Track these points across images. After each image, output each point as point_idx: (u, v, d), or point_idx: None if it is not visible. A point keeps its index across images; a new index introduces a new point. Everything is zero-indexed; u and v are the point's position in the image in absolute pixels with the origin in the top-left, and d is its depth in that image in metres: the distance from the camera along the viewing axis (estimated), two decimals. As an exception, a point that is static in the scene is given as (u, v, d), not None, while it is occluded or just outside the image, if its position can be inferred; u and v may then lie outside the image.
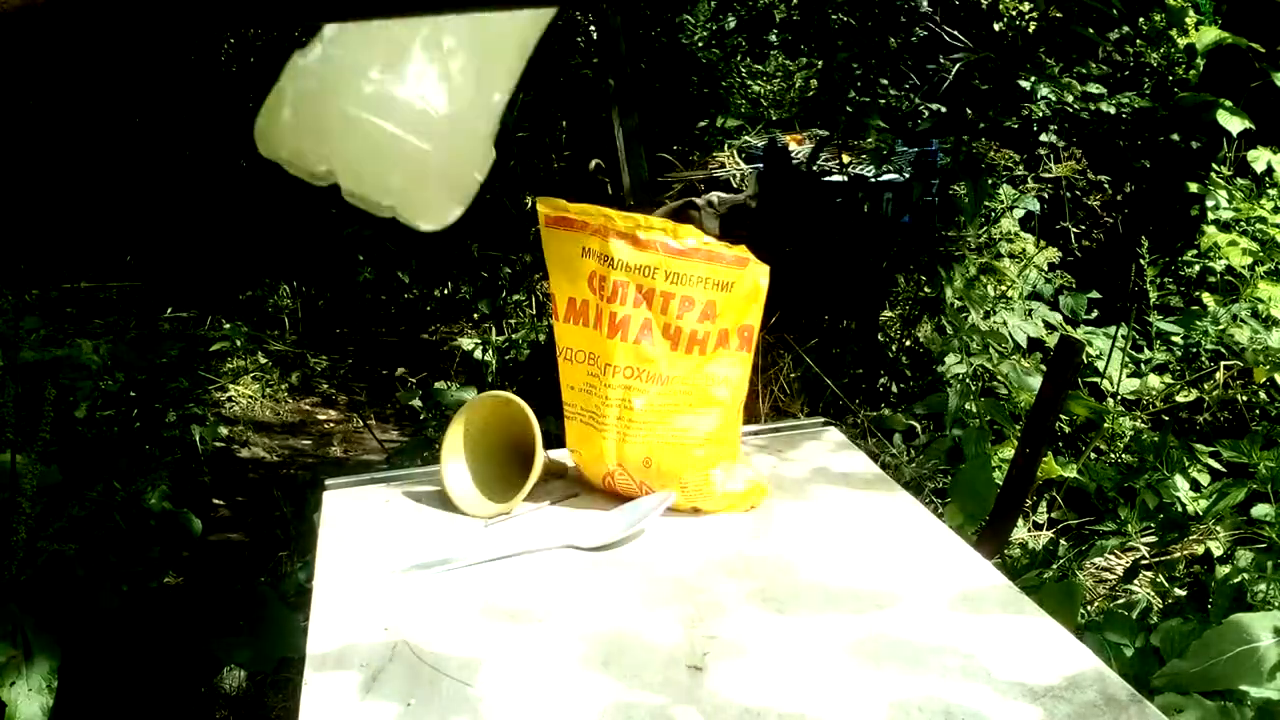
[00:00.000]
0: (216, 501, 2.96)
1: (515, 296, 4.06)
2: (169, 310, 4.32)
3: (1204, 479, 2.49)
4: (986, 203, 3.57)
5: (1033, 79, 4.08)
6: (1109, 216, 4.29)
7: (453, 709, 0.76)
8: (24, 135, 4.47)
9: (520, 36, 0.65)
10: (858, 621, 0.86)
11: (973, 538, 1.87)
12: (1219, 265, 3.22)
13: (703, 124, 5.07)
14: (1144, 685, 1.37)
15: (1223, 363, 2.88)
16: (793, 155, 4.43)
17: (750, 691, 0.77)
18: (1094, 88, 4.31)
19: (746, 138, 5.01)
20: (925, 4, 4.47)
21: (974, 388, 2.72)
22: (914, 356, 3.36)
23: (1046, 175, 4.11)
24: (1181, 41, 4.26)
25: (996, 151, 4.15)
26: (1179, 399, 2.87)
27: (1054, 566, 2.12)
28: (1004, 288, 3.45)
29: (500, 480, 1.10)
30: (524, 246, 3.91)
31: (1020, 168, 4.18)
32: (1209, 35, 3.49)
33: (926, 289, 3.50)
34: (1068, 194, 4.09)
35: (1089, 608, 2.04)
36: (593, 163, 3.84)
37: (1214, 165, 3.57)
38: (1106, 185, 4.28)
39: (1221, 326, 2.89)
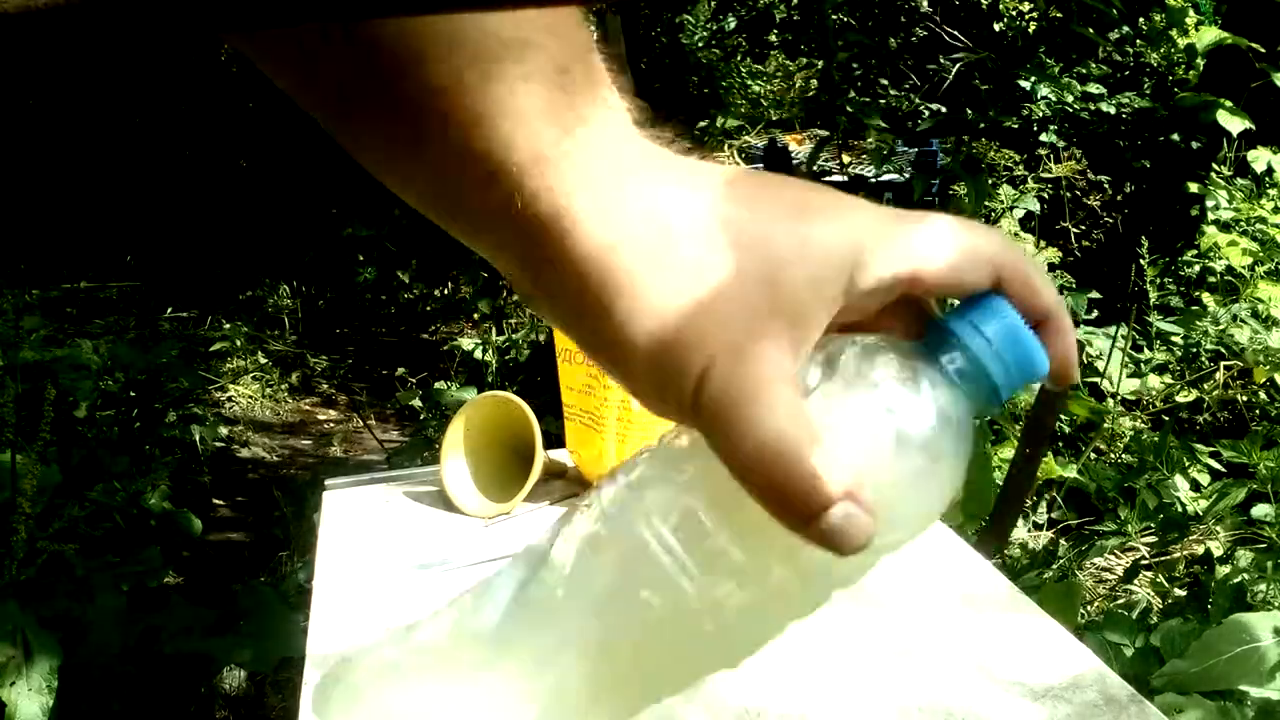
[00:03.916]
0: (216, 501, 2.96)
1: (515, 296, 4.05)
2: (169, 310, 4.32)
3: (1204, 479, 2.49)
4: (986, 203, 3.57)
5: (1033, 79, 4.08)
6: (1109, 216, 4.29)
7: (453, 709, 0.76)
8: (24, 135, 4.47)
9: None
10: (858, 621, 0.86)
11: (973, 538, 1.87)
12: (1219, 265, 3.22)
13: (703, 124, 5.07)
14: (1144, 685, 1.37)
15: (1223, 363, 2.88)
16: (793, 155, 4.43)
17: (750, 691, 0.77)
18: (1094, 88, 4.31)
19: (746, 138, 5.01)
20: (925, 4, 4.47)
21: (974, 388, 2.72)
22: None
23: (1046, 175, 4.11)
24: (1181, 41, 4.26)
25: (996, 151, 4.15)
26: (1179, 399, 2.87)
27: (1054, 566, 2.12)
28: (1004, 288, 3.45)
29: (500, 480, 1.10)
30: (524, 246, 3.91)
31: (1020, 168, 4.18)
32: (1209, 35, 3.49)
33: (927, 289, 3.49)
34: (1068, 194, 4.09)
35: (1089, 608, 2.04)
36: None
37: (1214, 165, 3.57)
38: (1106, 185, 4.28)
39: (1221, 326, 2.89)
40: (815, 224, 0.31)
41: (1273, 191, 3.41)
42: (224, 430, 3.35)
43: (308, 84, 0.32)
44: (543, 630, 0.34)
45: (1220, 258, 3.21)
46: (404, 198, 0.34)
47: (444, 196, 0.33)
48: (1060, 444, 2.75)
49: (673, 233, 0.31)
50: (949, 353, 0.33)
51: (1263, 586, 1.92)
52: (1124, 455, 2.66)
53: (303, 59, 0.31)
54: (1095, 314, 3.15)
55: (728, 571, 0.32)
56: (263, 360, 3.96)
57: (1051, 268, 3.69)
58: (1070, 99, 4.24)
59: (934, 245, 0.32)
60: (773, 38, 5.06)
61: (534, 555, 0.35)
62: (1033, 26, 4.41)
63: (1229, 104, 3.40)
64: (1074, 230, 4.05)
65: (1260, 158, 3.37)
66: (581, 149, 0.31)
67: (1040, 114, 4.24)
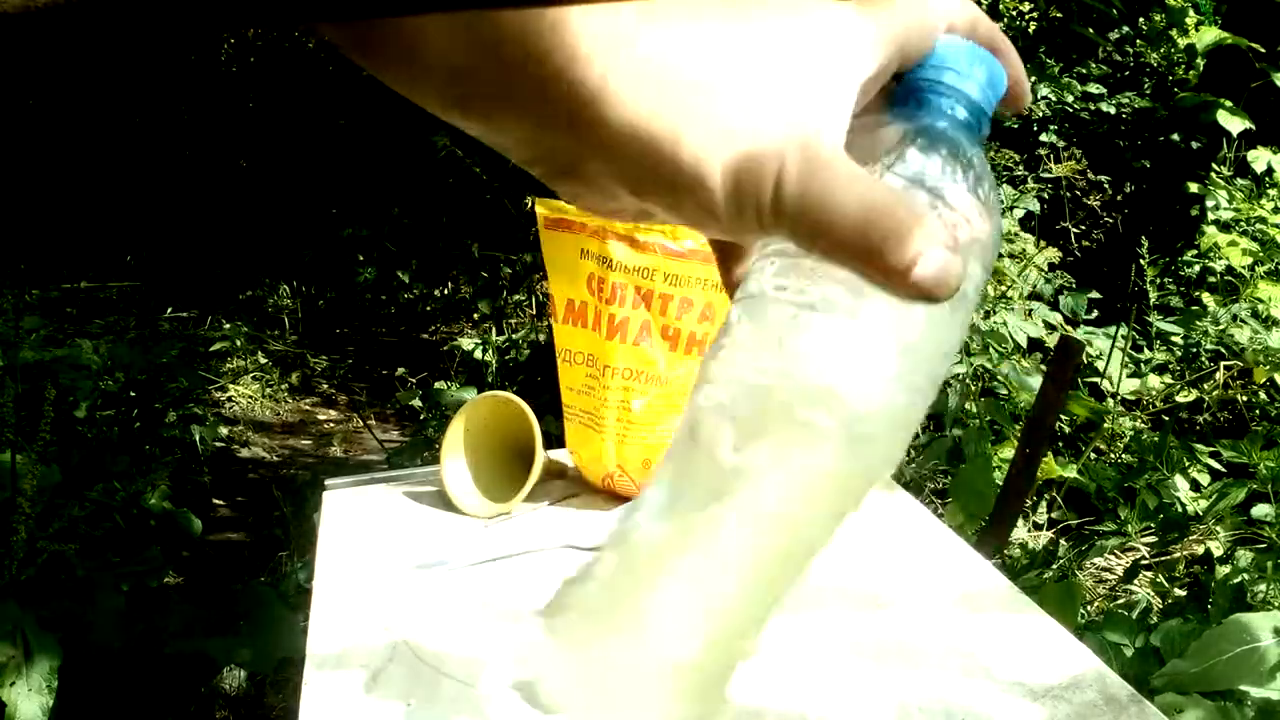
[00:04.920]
0: (216, 501, 2.96)
1: (515, 296, 4.06)
2: (169, 310, 4.32)
3: (1204, 479, 2.49)
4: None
5: (1032, 79, 4.08)
6: (1109, 216, 4.29)
7: (453, 709, 0.76)
8: (24, 135, 4.47)
9: None
10: (858, 621, 0.86)
11: (973, 538, 1.87)
12: (1219, 265, 3.22)
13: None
14: (1144, 685, 1.37)
15: (1223, 363, 2.88)
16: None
17: (750, 691, 0.77)
18: (1094, 88, 4.31)
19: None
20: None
21: (974, 388, 2.72)
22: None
23: (1046, 175, 4.11)
24: (1181, 41, 4.26)
25: (996, 151, 4.15)
26: (1179, 399, 2.87)
27: (1054, 566, 2.12)
28: (1004, 288, 3.45)
29: (500, 480, 1.10)
30: (524, 246, 3.91)
31: (1020, 168, 4.18)
32: (1209, 35, 3.49)
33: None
34: (1068, 194, 4.08)
35: (1089, 608, 2.04)
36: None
37: (1214, 165, 3.57)
38: (1106, 185, 4.28)
39: (1221, 326, 2.89)
40: (829, 14, 0.33)
41: (1273, 191, 3.41)
42: (224, 430, 3.35)
43: None
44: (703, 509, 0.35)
45: (1220, 258, 3.21)
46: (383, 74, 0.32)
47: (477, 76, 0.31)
48: (1060, 444, 2.75)
49: (710, 54, 0.32)
50: (943, 99, 0.35)
51: (1263, 586, 1.92)
52: (1124, 455, 2.66)
53: None
54: (1095, 314, 3.16)
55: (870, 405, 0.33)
56: (263, 360, 3.96)
57: (1051, 267, 3.69)
58: (1070, 99, 4.24)
59: (912, 15, 0.34)
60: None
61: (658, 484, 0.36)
62: (1033, 26, 4.41)
63: (1229, 104, 3.40)
64: (1074, 230, 4.05)
65: (1260, 158, 3.38)
66: None
67: (1040, 114, 4.25)
